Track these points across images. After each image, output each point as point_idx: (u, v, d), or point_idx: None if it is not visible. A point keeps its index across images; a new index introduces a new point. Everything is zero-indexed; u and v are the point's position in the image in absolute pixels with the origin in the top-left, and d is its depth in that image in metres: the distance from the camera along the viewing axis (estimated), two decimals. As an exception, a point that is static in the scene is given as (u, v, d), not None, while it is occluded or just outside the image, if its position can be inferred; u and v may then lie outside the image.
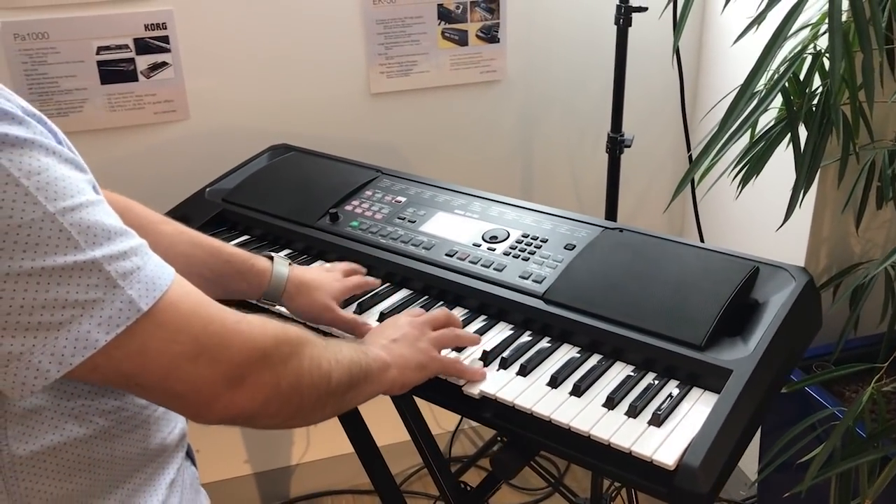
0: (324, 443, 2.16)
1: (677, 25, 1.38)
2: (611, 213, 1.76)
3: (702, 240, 1.75)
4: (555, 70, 1.94)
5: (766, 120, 1.42)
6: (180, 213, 1.48)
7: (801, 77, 1.41)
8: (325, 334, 1.12)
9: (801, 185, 1.36)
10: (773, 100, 1.37)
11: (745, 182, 1.45)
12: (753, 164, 1.46)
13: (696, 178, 1.62)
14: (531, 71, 1.93)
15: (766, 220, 1.39)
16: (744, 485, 1.97)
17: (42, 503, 0.74)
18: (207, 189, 1.52)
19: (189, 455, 0.96)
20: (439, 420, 2.19)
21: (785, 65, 1.39)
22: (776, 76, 1.39)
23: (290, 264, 1.16)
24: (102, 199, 0.70)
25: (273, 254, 1.16)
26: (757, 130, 1.47)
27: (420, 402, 1.40)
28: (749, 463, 1.94)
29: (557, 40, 1.92)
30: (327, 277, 1.15)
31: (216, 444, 2.10)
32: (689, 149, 1.71)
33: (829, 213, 1.68)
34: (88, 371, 0.67)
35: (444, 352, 1.04)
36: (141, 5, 1.65)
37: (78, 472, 0.76)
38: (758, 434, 1.74)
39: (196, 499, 0.93)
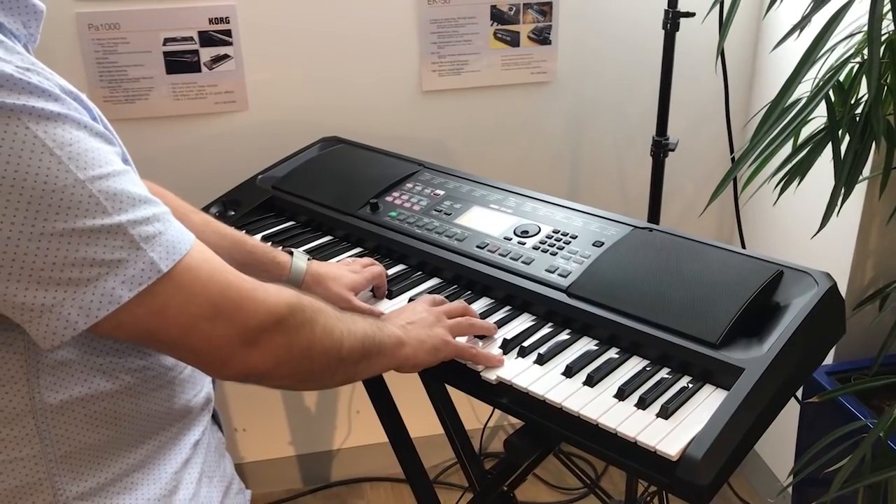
0: (365, 430, 2.22)
1: (722, 28, 1.39)
2: (653, 215, 1.77)
3: (743, 246, 1.74)
4: (605, 73, 1.96)
5: (815, 127, 1.42)
6: (232, 198, 1.55)
7: (846, 85, 1.41)
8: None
9: (838, 193, 1.36)
10: (814, 108, 1.37)
11: (783, 189, 1.45)
12: (794, 171, 1.46)
13: (740, 184, 1.63)
14: (581, 73, 1.96)
15: (813, 230, 1.39)
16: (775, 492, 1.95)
17: (70, 450, 0.80)
18: (259, 176, 1.60)
19: (216, 420, 1.02)
20: (479, 415, 2.23)
21: (830, 72, 1.39)
22: (820, 84, 1.39)
23: (308, 259, 1.22)
24: (130, 169, 0.77)
25: (293, 249, 1.23)
26: (802, 137, 1.47)
27: (459, 396, 1.44)
28: (784, 471, 1.93)
29: (608, 43, 1.94)
30: (344, 270, 1.21)
31: (261, 425, 2.18)
32: (732, 153, 1.71)
33: (877, 226, 1.66)
34: (113, 327, 0.74)
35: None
36: (206, 0, 1.74)
37: (105, 424, 0.82)
38: (793, 442, 1.74)
39: (220, 462, 0.99)
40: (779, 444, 2.01)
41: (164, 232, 0.76)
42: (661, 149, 1.71)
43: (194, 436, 0.92)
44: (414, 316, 1.06)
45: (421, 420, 1.74)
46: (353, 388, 2.18)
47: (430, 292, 1.24)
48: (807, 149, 1.41)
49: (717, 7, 1.50)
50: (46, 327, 0.71)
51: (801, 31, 1.35)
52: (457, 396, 1.56)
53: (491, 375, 1.05)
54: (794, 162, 1.44)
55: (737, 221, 1.72)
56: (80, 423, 0.80)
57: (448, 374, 1.09)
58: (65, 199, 0.70)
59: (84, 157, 0.71)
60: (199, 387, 0.94)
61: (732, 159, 1.76)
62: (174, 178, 1.31)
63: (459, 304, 1.14)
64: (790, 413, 1.80)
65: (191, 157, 1.85)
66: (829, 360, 1.79)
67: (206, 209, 1.52)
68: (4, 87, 0.68)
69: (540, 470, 2.33)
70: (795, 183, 1.48)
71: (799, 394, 1.64)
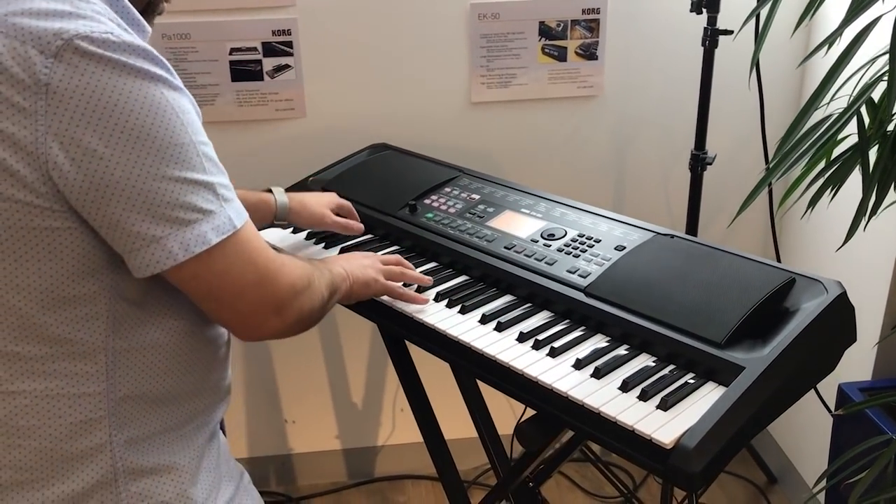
0: (409, 428, 2.30)
1: (757, 40, 1.42)
2: (691, 227, 1.81)
3: (778, 259, 1.76)
4: (650, 88, 2.01)
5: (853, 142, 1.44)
6: (284, 197, 1.66)
7: (878, 102, 1.43)
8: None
9: (864, 209, 1.38)
10: (845, 124, 1.40)
11: (812, 205, 1.48)
12: (823, 187, 1.48)
13: (777, 200, 1.65)
14: (628, 88, 2.01)
15: (855, 247, 1.41)
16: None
17: (129, 394, 0.91)
18: (311, 178, 1.70)
19: (222, 428, 1.12)
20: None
21: (863, 89, 1.41)
22: (852, 100, 1.42)
23: (285, 193, 1.45)
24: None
25: (271, 187, 1.45)
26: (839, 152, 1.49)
27: (494, 399, 1.51)
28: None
29: (654, 59, 1.99)
30: (317, 194, 1.51)
31: (310, 418, 2.29)
32: (767, 167, 1.74)
33: (918, 244, 1.67)
34: (192, 276, 0.86)
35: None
36: (270, 13, 1.86)
37: (158, 377, 0.93)
38: (826, 455, 1.74)
39: (231, 459, 1.09)
40: (815, 458, 2.01)
41: (234, 199, 0.91)
42: (699, 163, 1.75)
43: (219, 413, 1.04)
44: (353, 259, 1.26)
45: (461, 422, 1.80)
46: (397, 388, 2.26)
47: (458, 288, 1.32)
48: (836, 165, 1.43)
49: (756, 21, 1.54)
50: (151, 256, 0.83)
51: (829, 47, 1.39)
52: (491, 398, 1.63)
53: (506, 357, 1.12)
54: (824, 177, 1.46)
55: (772, 235, 1.75)
56: (140, 370, 0.91)
57: (458, 356, 1.16)
58: (182, 153, 0.84)
59: (193, 125, 0.86)
60: (227, 373, 1.06)
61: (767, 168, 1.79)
62: (237, 179, 1.42)
63: (394, 256, 1.34)
64: (825, 426, 1.81)
65: (251, 159, 1.97)
66: (867, 376, 1.79)
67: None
68: (152, 61, 0.83)
69: (579, 478, 2.37)
70: (828, 198, 1.50)
71: (832, 407, 1.65)
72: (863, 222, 1.39)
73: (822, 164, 1.50)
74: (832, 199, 1.51)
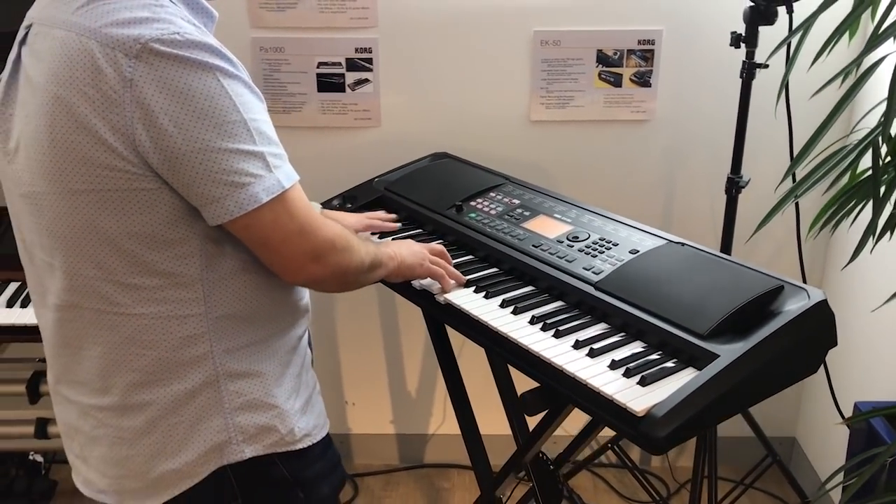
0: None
1: (788, 64, 1.54)
2: (725, 246, 1.93)
3: (803, 277, 1.86)
4: (700, 114, 2.15)
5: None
6: (352, 194, 1.88)
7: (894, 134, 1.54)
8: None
9: (870, 232, 1.49)
10: (861, 154, 1.51)
11: (822, 227, 1.58)
12: (839, 209, 1.59)
13: (806, 224, 1.76)
14: (678, 113, 2.15)
15: (885, 271, 1.50)
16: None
17: (224, 313, 1.12)
18: (375, 179, 1.92)
19: (309, 343, 1.33)
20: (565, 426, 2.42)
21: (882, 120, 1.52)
22: (870, 132, 1.53)
23: (322, 210, 1.65)
24: (269, 119, 1.11)
25: (313, 202, 1.63)
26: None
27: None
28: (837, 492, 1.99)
29: (704, 88, 2.12)
30: (347, 215, 1.71)
31: (368, 401, 2.50)
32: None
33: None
34: (245, 226, 1.06)
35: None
36: (354, 33, 2.10)
37: (245, 300, 1.14)
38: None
39: (310, 369, 1.31)
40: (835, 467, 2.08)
41: (283, 165, 1.09)
42: (733, 185, 1.88)
43: (300, 330, 1.26)
44: (405, 246, 1.45)
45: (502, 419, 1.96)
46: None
47: (487, 277, 1.50)
48: (848, 192, 1.55)
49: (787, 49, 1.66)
50: (214, 211, 1.04)
51: (844, 79, 1.51)
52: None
53: (515, 335, 1.29)
54: (833, 207, 1.57)
55: (799, 257, 1.85)
56: (230, 295, 1.13)
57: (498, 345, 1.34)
58: (234, 129, 1.02)
59: (247, 105, 1.04)
60: (302, 294, 1.27)
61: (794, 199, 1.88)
62: (315, 177, 1.66)
63: (440, 247, 1.52)
64: (843, 437, 1.89)
65: (331, 161, 2.21)
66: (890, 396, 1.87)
67: (328, 201, 1.86)
68: (210, 51, 1.02)
69: (615, 482, 2.49)
70: (850, 221, 1.60)
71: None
72: (869, 244, 1.49)
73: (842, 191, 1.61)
74: (852, 223, 1.62)
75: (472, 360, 1.94)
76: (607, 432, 2.35)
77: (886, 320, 1.91)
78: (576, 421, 1.73)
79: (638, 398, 1.13)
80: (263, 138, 1.06)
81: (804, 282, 1.90)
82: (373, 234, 1.72)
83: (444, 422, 2.52)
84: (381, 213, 1.76)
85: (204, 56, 1.02)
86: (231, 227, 1.07)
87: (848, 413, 1.87)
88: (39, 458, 2.42)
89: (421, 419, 2.54)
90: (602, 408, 1.16)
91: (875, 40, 1.39)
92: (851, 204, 1.58)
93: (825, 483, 1.58)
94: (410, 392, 2.50)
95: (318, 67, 2.14)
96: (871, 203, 1.51)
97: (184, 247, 1.09)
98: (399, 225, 1.72)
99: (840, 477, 1.61)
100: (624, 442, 2.35)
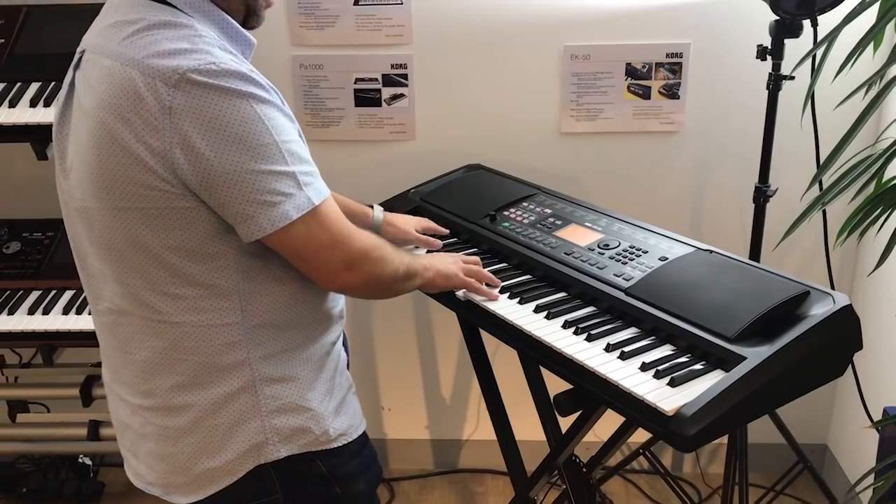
0: (492, 427, 2.53)
1: (813, 75, 1.58)
2: (754, 254, 1.97)
3: (832, 286, 1.89)
4: (728, 126, 2.19)
5: None
6: (389, 204, 1.95)
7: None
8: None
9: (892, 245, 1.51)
10: (882, 162, 1.54)
11: (848, 234, 1.62)
12: (859, 222, 1.62)
13: (834, 232, 1.79)
14: (707, 125, 2.20)
15: None
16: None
17: (259, 322, 1.19)
18: (412, 190, 1.98)
19: (345, 346, 1.39)
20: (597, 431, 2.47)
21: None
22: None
23: (383, 211, 1.73)
24: (301, 140, 1.18)
25: (373, 204, 1.74)
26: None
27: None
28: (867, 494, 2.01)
29: (732, 100, 2.16)
30: (407, 217, 1.79)
31: (404, 407, 2.56)
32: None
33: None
34: (279, 241, 1.13)
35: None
36: (390, 49, 2.18)
37: (279, 310, 1.21)
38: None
39: (344, 371, 1.36)
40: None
41: (314, 182, 1.16)
42: (761, 195, 1.92)
43: (333, 336, 1.32)
44: (440, 257, 1.54)
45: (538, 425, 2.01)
46: (483, 387, 2.50)
47: (520, 284, 1.55)
48: (874, 201, 1.58)
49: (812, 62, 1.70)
50: (248, 229, 1.12)
51: (868, 90, 1.54)
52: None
53: (550, 340, 1.35)
54: (860, 215, 1.61)
55: (827, 264, 1.89)
56: (265, 305, 1.20)
57: (537, 352, 1.40)
58: (266, 151, 1.09)
59: (279, 128, 1.11)
60: (336, 302, 1.34)
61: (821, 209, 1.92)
62: (353, 189, 1.75)
63: (474, 257, 1.59)
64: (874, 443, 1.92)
65: (368, 173, 2.28)
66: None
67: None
68: (243, 79, 1.09)
69: (648, 487, 2.53)
70: (877, 229, 1.63)
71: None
72: (891, 252, 1.53)
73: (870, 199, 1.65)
74: (879, 230, 1.65)
75: (506, 366, 1.99)
76: (638, 438, 2.39)
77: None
78: (607, 426, 1.78)
79: (668, 398, 1.18)
80: (295, 158, 1.12)
81: (832, 288, 1.94)
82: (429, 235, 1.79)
83: (477, 427, 2.58)
84: (432, 226, 1.80)
85: (238, 84, 1.08)
86: (266, 241, 1.14)
87: (878, 418, 1.90)
88: (88, 461, 2.52)
89: (455, 425, 2.59)
90: (633, 408, 1.21)
91: (898, 52, 1.43)
92: (878, 211, 1.62)
93: (854, 486, 1.61)
94: (445, 398, 2.56)
95: (355, 83, 2.21)
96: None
97: (221, 260, 1.16)
98: (447, 231, 1.79)
99: (871, 479, 1.63)
100: (656, 447, 2.38)
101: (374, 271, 1.24)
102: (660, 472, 2.45)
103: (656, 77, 2.17)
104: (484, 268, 1.58)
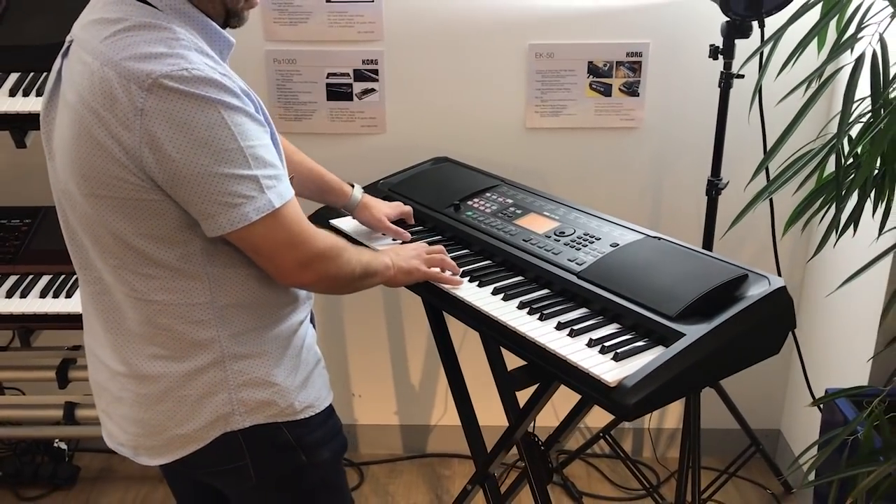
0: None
1: (761, 69, 1.66)
2: (707, 243, 2.07)
3: (779, 273, 1.99)
4: (686, 122, 2.29)
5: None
6: (359, 195, 2.02)
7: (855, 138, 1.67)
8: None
9: (835, 224, 1.61)
10: (827, 157, 1.64)
11: (791, 226, 1.71)
12: (797, 214, 1.71)
13: (781, 223, 1.89)
14: (665, 121, 2.29)
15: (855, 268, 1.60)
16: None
17: (227, 303, 1.26)
18: (380, 181, 2.06)
19: (312, 321, 1.46)
20: (559, 415, 2.56)
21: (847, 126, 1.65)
22: (833, 136, 1.66)
23: (364, 193, 1.78)
24: (270, 144, 1.24)
25: (354, 183, 1.79)
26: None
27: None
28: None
29: (689, 97, 2.26)
30: (382, 203, 1.84)
31: (373, 393, 2.63)
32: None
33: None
34: (240, 238, 1.20)
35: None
36: (361, 45, 2.25)
37: (245, 291, 1.28)
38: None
39: (312, 347, 1.43)
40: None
41: (277, 186, 1.22)
42: (713, 188, 2.02)
43: (301, 315, 1.39)
44: (401, 251, 1.57)
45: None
46: (451, 374, 2.58)
47: (481, 269, 1.64)
48: (816, 193, 1.68)
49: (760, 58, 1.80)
50: (209, 226, 1.18)
51: (808, 87, 1.64)
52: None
53: (514, 325, 1.43)
54: (801, 206, 1.70)
55: (774, 253, 1.99)
56: (232, 286, 1.27)
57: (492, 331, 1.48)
58: (230, 156, 1.15)
59: (246, 133, 1.16)
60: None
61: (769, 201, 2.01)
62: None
63: (438, 246, 1.64)
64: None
65: (339, 165, 2.32)
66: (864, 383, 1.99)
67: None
68: (214, 86, 1.14)
69: (609, 471, 2.62)
70: (819, 219, 1.72)
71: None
72: (832, 238, 1.63)
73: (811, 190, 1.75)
74: (821, 220, 1.74)
75: (472, 356, 2.07)
76: (599, 423, 2.49)
77: (863, 312, 2.04)
78: (567, 410, 1.86)
79: (611, 371, 1.27)
80: (259, 162, 1.18)
81: (779, 275, 2.04)
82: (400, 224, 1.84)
83: (445, 413, 2.66)
84: (408, 210, 1.86)
85: (208, 91, 1.14)
86: (227, 237, 1.21)
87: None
88: (63, 446, 2.57)
89: (424, 411, 2.67)
90: (580, 380, 1.30)
91: (837, 49, 1.53)
92: (818, 203, 1.72)
93: (797, 458, 1.71)
94: (414, 385, 2.64)
95: (327, 78, 2.29)
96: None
97: (189, 247, 1.23)
98: (409, 237, 1.80)
99: (814, 451, 1.73)
100: (616, 432, 2.48)
101: (328, 271, 1.30)
102: (620, 457, 2.55)
103: (617, 75, 2.26)
104: (448, 254, 1.66)
